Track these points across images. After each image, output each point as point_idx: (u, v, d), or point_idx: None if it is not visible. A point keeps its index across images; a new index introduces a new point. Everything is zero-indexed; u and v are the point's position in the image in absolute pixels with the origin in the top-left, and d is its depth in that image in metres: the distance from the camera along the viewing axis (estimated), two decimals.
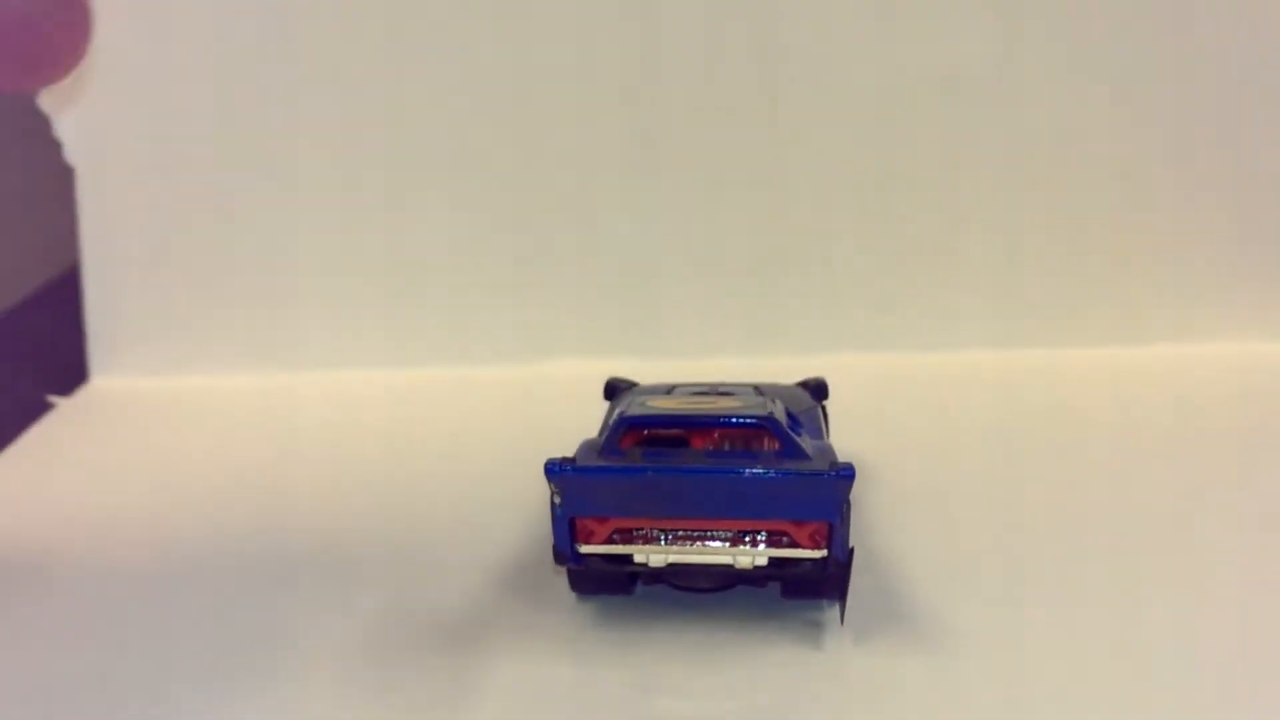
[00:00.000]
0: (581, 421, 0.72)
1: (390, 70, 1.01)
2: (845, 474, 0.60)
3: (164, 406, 1.00)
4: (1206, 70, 1.00)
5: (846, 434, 0.76)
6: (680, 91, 1.01)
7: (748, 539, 0.62)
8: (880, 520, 0.75)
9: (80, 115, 1.03)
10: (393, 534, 0.76)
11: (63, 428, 0.97)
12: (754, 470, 0.60)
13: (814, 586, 0.65)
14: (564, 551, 0.62)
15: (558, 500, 0.61)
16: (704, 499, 0.61)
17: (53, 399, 1.01)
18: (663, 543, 0.62)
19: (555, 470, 0.61)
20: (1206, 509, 0.76)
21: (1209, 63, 1.00)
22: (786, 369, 0.84)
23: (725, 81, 1.01)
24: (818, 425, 0.73)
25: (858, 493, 0.66)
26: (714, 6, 1.00)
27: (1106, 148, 1.02)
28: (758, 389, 0.74)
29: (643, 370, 0.84)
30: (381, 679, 0.61)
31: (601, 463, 0.62)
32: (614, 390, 0.78)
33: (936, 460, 0.84)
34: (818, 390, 0.78)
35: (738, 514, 0.61)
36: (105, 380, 1.04)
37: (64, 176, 1.04)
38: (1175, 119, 1.01)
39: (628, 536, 0.62)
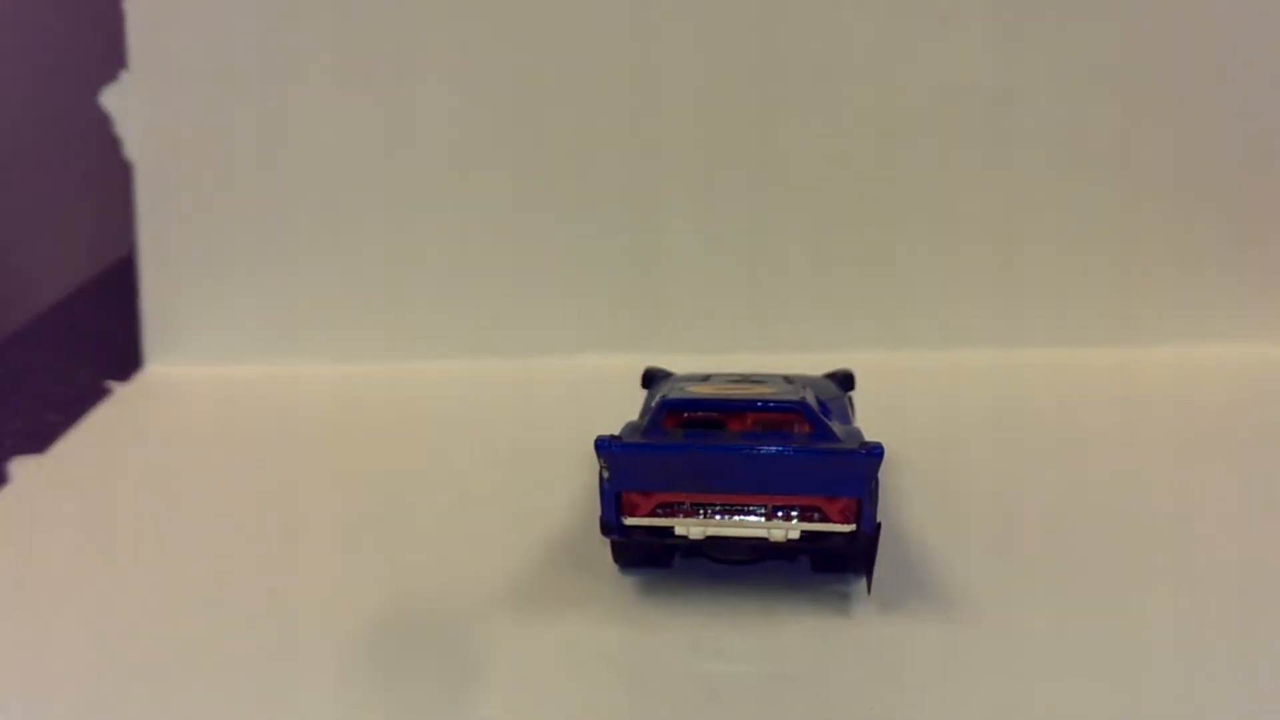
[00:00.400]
0: (618, 412, 0.76)
1: (446, 65, 1.05)
2: (875, 452, 0.64)
3: (218, 394, 1.03)
4: (1208, 72, 1.02)
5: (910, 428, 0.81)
6: (685, 98, 1.04)
7: (781, 513, 0.66)
8: (896, 503, 0.80)
9: (140, 114, 1.07)
10: (449, 512, 0.81)
11: (120, 411, 1.01)
12: (788, 448, 0.65)
13: (842, 560, 0.70)
14: (611, 523, 0.67)
15: (606, 475, 0.66)
16: (741, 475, 0.65)
17: (110, 384, 1.05)
18: (701, 517, 0.66)
19: (604, 446, 0.65)
20: (1207, 504, 0.80)
21: (1210, 65, 1.02)
22: (793, 366, 0.88)
23: (730, 86, 1.04)
24: (845, 412, 0.77)
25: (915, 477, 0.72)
26: (718, 17, 1.03)
27: (1108, 149, 1.04)
28: (787, 379, 0.79)
29: (665, 364, 0.88)
30: (435, 640, 0.66)
31: (647, 441, 0.66)
32: (652, 378, 0.83)
33: (944, 453, 0.88)
34: (845, 381, 0.83)
35: (772, 490, 0.65)
36: (160, 368, 1.08)
37: (122, 171, 1.09)
38: (1177, 121, 1.03)
39: (669, 510, 0.66)
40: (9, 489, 0.86)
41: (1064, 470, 0.85)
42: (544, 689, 0.62)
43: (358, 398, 1.02)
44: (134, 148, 1.08)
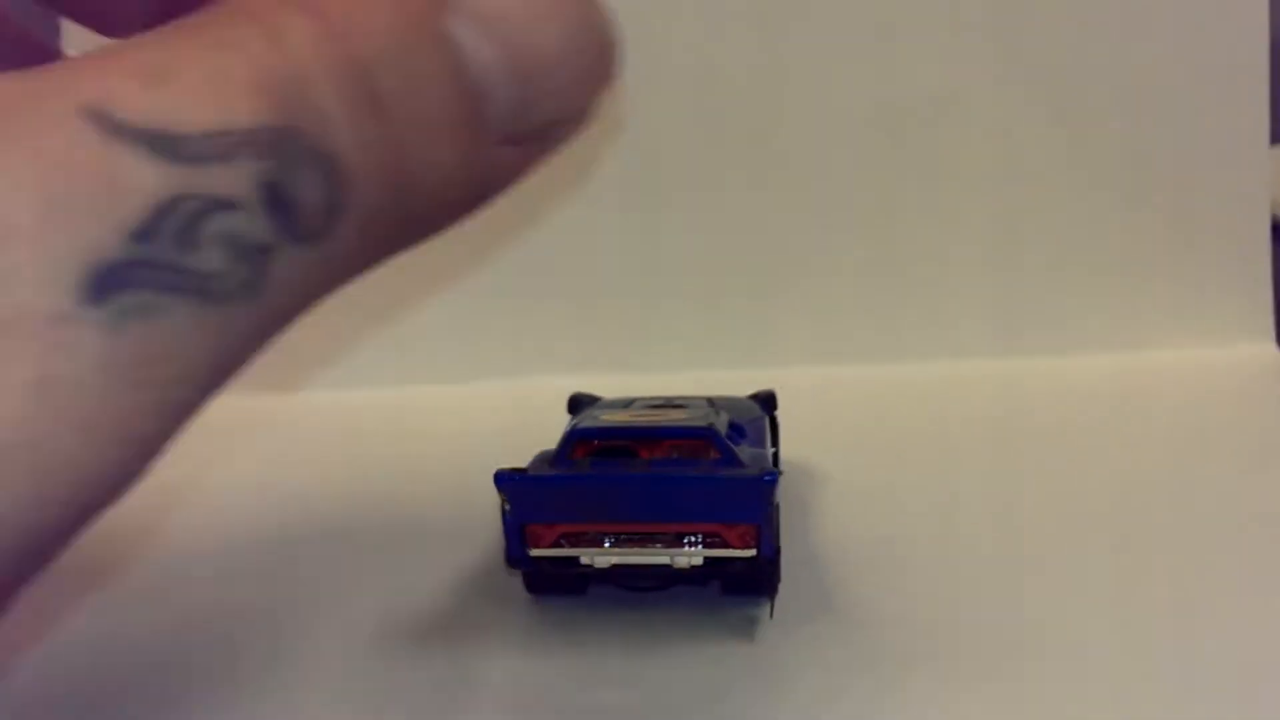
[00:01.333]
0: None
1: None
2: (769, 479, 0.65)
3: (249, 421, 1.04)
4: (1205, 78, 1.02)
5: (839, 444, 0.81)
6: (677, 106, 1.05)
7: (685, 540, 0.67)
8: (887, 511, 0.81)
9: None
10: (381, 536, 0.83)
11: None
12: (686, 475, 0.66)
13: (750, 583, 0.70)
14: (515, 555, 0.68)
15: (507, 508, 0.67)
16: (642, 504, 0.66)
17: None
18: (606, 545, 0.67)
19: (503, 480, 0.66)
20: (1203, 510, 0.79)
21: (1207, 71, 1.02)
22: (779, 380, 0.88)
23: (723, 95, 1.04)
24: (761, 435, 0.78)
25: (843, 496, 0.74)
26: (713, 25, 1.03)
27: (1101, 156, 1.04)
28: (711, 402, 0.79)
29: (629, 384, 0.89)
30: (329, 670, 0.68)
31: (541, 473, 0.67)
32: (577, 404, 0.84)
33: (930, 465, 0.88)
34: (767, 402, 0.84)
35: (674, 518, 0.66)
36: None
37: None
38: (1171, 129, 1.03)
39: (574, 540, 0.67)
40: None
41: (1055, 481, 0.85)
42: None
43: (342, 424, 1.04)
44: None
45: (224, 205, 0.42)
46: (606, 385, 0.89)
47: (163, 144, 0.41)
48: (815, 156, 1.05)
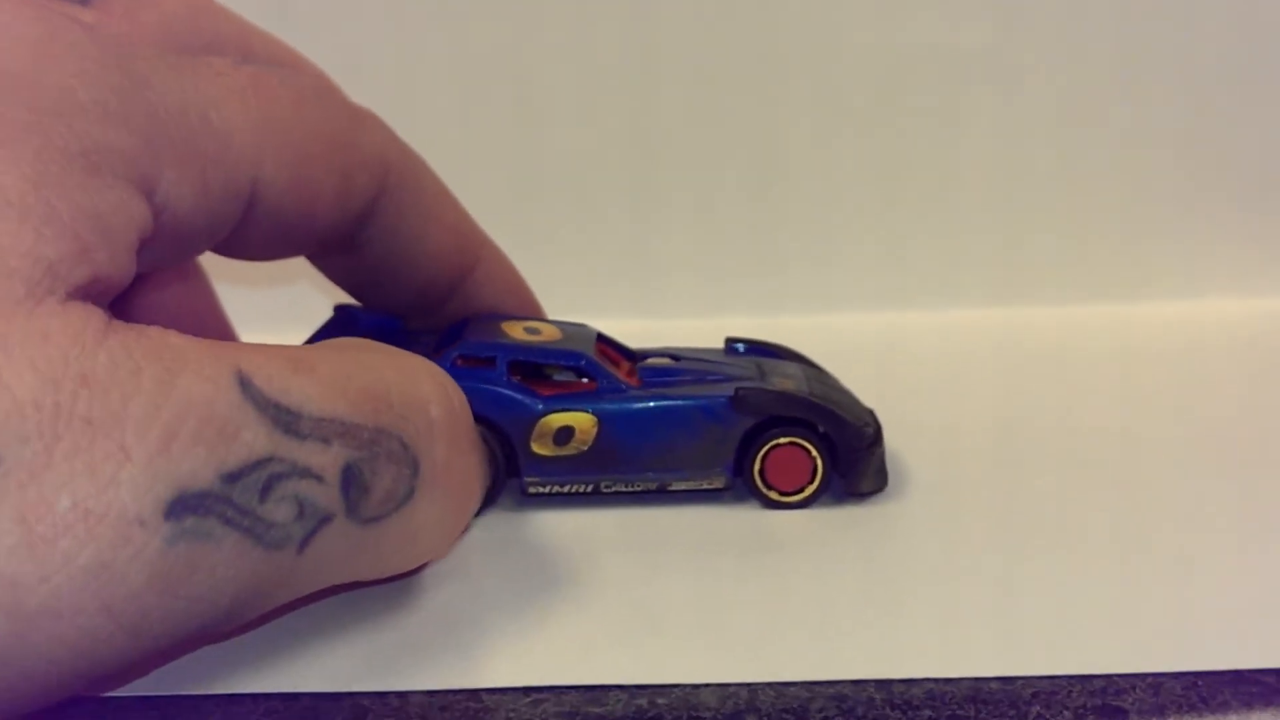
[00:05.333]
0: None
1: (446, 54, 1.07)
2: None
3: None
4: (1209, 26, 1.01)
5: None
6: (682, 67, 1.05)
7: None
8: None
9: None
10: None
11: None
12: None
13: None
14: None
15: None
16: None
17: None
18: None
19: None
20: (1206, 460, 0.80)
21: (1211, 18, 1.00)
22: (788, 328, 0.90)
23: (724, 51, 1.05)
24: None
25: None
26: None
27: (1108, 104, 1.03)
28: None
29: (661, 328, 0.90)
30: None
31: None
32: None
33: (937, 414, 0.88)
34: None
35: None
36: None
37: None
38: (1179, 75, 1.02)
39: None
40: None
41: (1059, 432, 0.85)
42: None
43: None
44: None
45: (309, 475, 0.52)
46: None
47: (284, 417, 0.51)
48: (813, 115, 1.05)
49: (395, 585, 0.68)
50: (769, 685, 0.58)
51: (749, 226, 1.08)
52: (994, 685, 0.57)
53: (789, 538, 0.72)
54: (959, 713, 0.55)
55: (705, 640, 0.62)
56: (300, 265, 1.07)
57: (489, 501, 0.77)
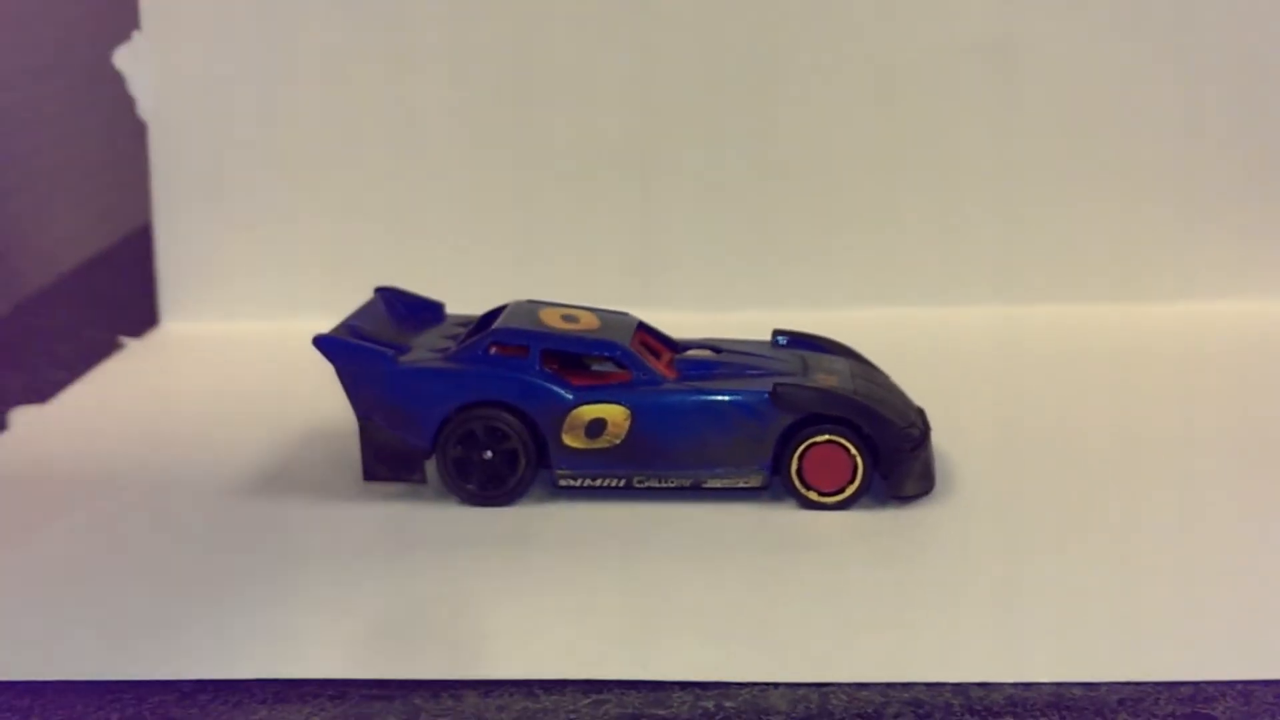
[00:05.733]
0: None
1: (449, 28, 1.06)
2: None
3: (232, 349, 1.04)
4: (1214, 24, 1.01)
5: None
6: (686, 53, 1.04)
7: None
8: None
9: (151, 73, 1.08)
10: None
11: (129, 365, 1.02)
12: None
13: None
14: None
15: None
16: None
17: (123, 339, 1.06)
18: None
19: None
20: (1204, 454, 0.79)
21: (1216, 15, 1.00)
22: (792, 323, 0.86)
23: (728, 42, 1.04)
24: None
25: None
26: None
27: (1110, 103, 1.03)
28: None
29: (665, 320, 0.87)
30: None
31: None
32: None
33: (990, 414, 0.87)
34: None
35: None
36: (176, 324, 1.09)
37: (139, 133, 1.10)
38: (1182, 74, 1.02)
39: None
40: (6, 435, 0.87)
41: (1062, 427, 0.84)
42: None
43: None
44: (147, 107, 1.09)
45: None
46: None
47: None
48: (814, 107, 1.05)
49: (433, 577, 0.65)
50: (841, 688, 0.55)
51: (751, 224, 1.07)
52: (1076, 692, 0.55)
53: (830, 539, 0.70)
54: (1043, 719, 0.53)
55: (763, 640, 0.59)
56: (317, 248, 1.09)
57: (518, 494, 0.74)
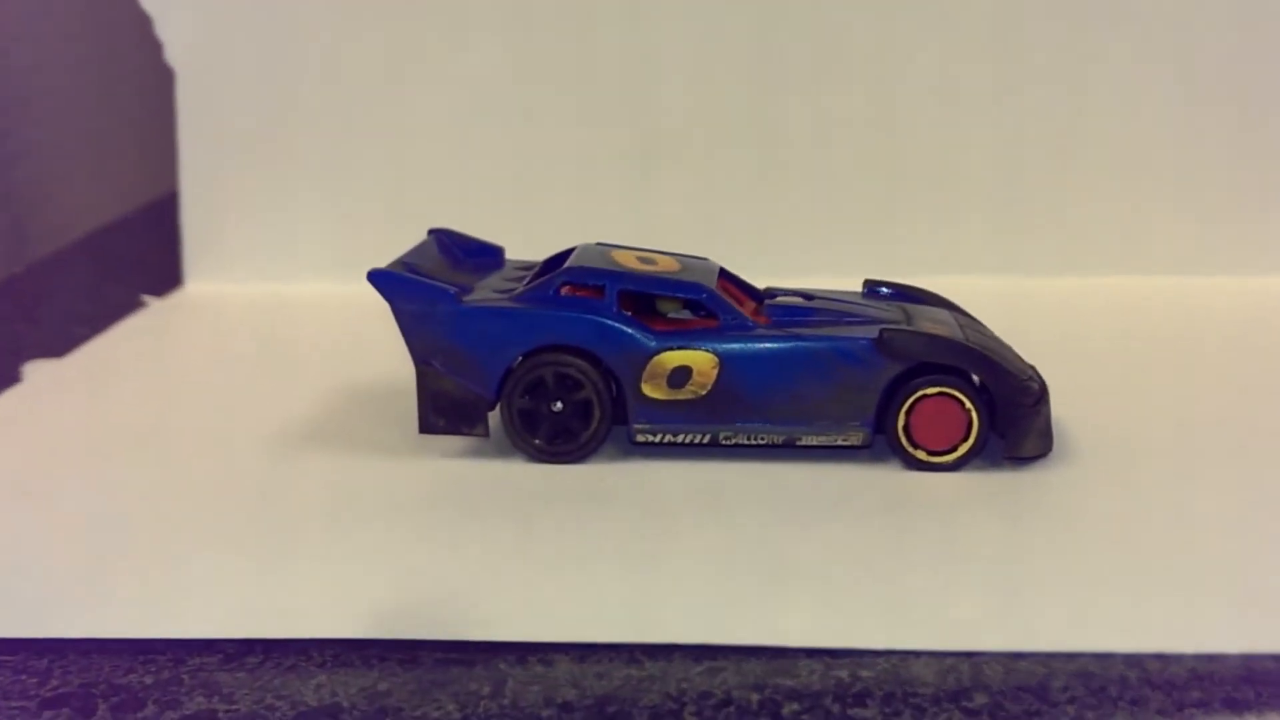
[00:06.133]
0: None
1: None
2: None
3: (254, 310, 0.98)
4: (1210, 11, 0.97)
5: None
6: (686, 34, 1.00)
7: None
8: None
9: (180, 14, 1.01)
10: None
11: (149, 324, 0.95)
12: None
13: None
14: None
15: None
16: None
17: (146, 299, 0.99)
18: None
19: None
20: (1204, 426, 0.72)
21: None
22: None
23: (728, 20, 1.00)
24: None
25: None
26: None
27: (1111, 79, 0.99)
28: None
29: None
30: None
31: None
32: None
33: (1097, 380, 0.79)
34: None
35: None
36: (200, 285, 1.03)
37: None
38: (1182, 48, 0.98)
39: None
40: (18, 388, 0.80)
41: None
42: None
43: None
44: (175, 52, 1.02)
45: None
46: None
47: None
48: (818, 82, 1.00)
49: (503, 539, 0.58)
50: (995, 658, 0.48)
51: (747, 195, 1.02)
52: (1269, 664, 0.47)
53: (945, 501, 0.62)
54: (1234, 694, 0.46)
55: (897, 606, 0.52)
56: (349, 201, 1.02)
57: (590, 450, 0.67)
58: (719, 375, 0.66)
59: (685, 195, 1.01)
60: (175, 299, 1.01)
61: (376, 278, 0.67)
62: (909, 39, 0.99)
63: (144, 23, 1.02)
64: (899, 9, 0.98)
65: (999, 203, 1.01)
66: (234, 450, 0.69)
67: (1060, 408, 0.68)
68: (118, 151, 1.30)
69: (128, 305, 0.98)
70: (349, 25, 1.01)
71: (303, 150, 1.03)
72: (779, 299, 0.71)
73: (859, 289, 0.75)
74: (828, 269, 0.91)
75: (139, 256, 1.12)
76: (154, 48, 1.02)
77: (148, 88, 1.09)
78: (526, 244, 0.80)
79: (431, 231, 0.76)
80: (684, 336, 0.66)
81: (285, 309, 0.97)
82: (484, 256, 0.76)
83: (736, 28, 0.99)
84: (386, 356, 0.79)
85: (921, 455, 0.66)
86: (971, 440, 0.66)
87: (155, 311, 0.98)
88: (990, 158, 1.00)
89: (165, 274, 1.04)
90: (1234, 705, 0.45)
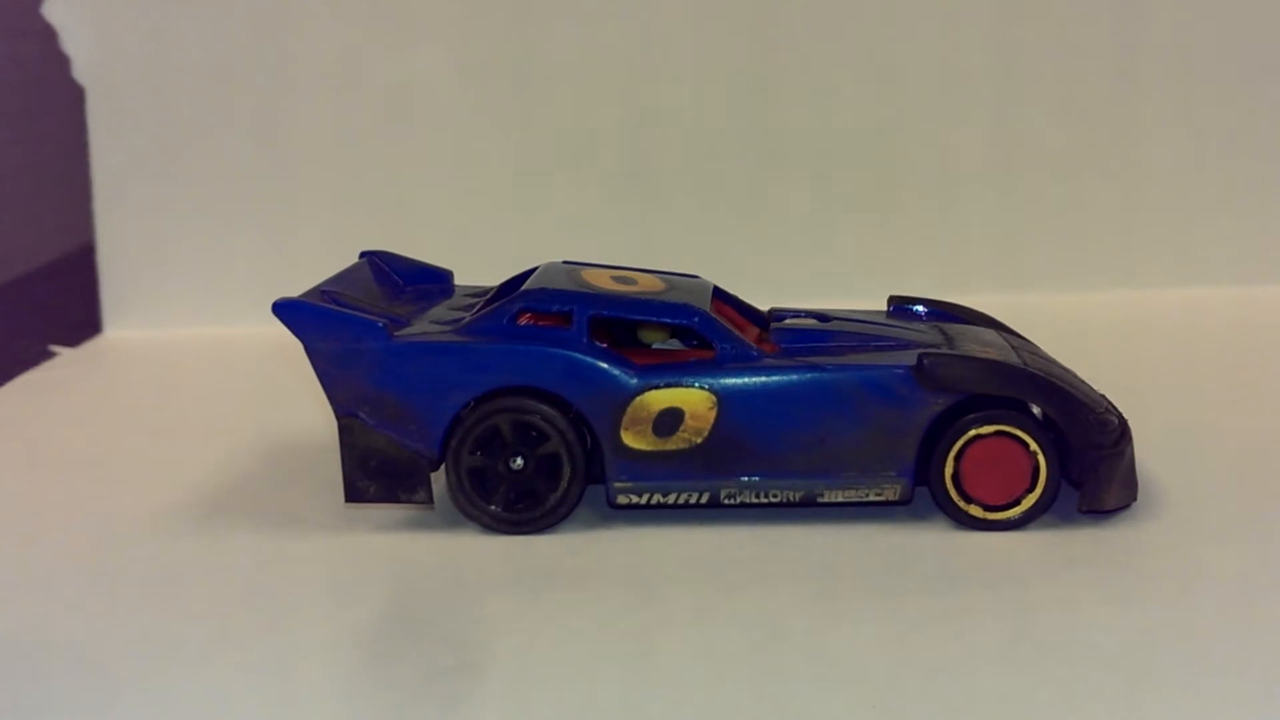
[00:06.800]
0: None
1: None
2: None
3: (173, 357, 0.89)
4: (1211, 6, 0.94)
5: None
6: (683, 41, 0.95)
7: None
8: None
9: (87, 27, 0.93)
10: None
11: (57, 374, 0.86)
12: None
13: None
14: None
15: None
16: None
17: (56, 349, 0.89)
18: None
19: None
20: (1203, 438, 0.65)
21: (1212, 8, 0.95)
22: None
23: (724, 26, 0.95)
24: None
25: None
26: None
27: (1107, 89, 0.95)
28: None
29: None
30: None
31: None
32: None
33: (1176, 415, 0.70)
34: None
35: None
36: (118, 332, 0.94)
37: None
38: (1179, 59, 0.95)
39: None
40: None
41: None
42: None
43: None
44: (83, 68, 0.94)
45: None
46: None
47: None
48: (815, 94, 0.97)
49: (450, 638, 0.45)
50: None
51: (742, 216, 0.98)
52: None
53: (1015, 571, 0.50)
54: None
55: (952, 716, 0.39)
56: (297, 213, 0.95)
57: (559, 516, 0.54)
58: (717, 418, 0.53)
59: (668, 207, 0.95)
60: (89, 348, 0.91)
61: (283, 310, 0.54)
62: (913, 45, 0.95)
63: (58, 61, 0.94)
64: (904, 17, 0.94)
65: (1031, 216, 0.96)
66: (115, 533, 0.57)
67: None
68: (31, 204, 1.22)
69: (34, 357, 0.88)
70: (278, 31, 0.94)
71: (230, 173, 0.95)
72: (788, 322, 0.58)
73: (881, 308, 0.63)
74: (832, 288, 0.86)
75: (55, 306, 1.02)
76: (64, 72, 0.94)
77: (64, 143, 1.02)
78: (484, 267, 0.70)
79: (364, 254, 0.63)
80: (673, 372, 0.54)
81: (211, 353, 0.88)
82: (428, 282, 0.63)
83: (721, 30, 0.94)
84: (322, 407, 0.67)
85: (976, 511, 0.53)
86: (1039, 491, 0.53)
87: (65, 362, 0.88)
88: (1000, 170, 0.96)
89: (82, 324, 0.94)
90: None
